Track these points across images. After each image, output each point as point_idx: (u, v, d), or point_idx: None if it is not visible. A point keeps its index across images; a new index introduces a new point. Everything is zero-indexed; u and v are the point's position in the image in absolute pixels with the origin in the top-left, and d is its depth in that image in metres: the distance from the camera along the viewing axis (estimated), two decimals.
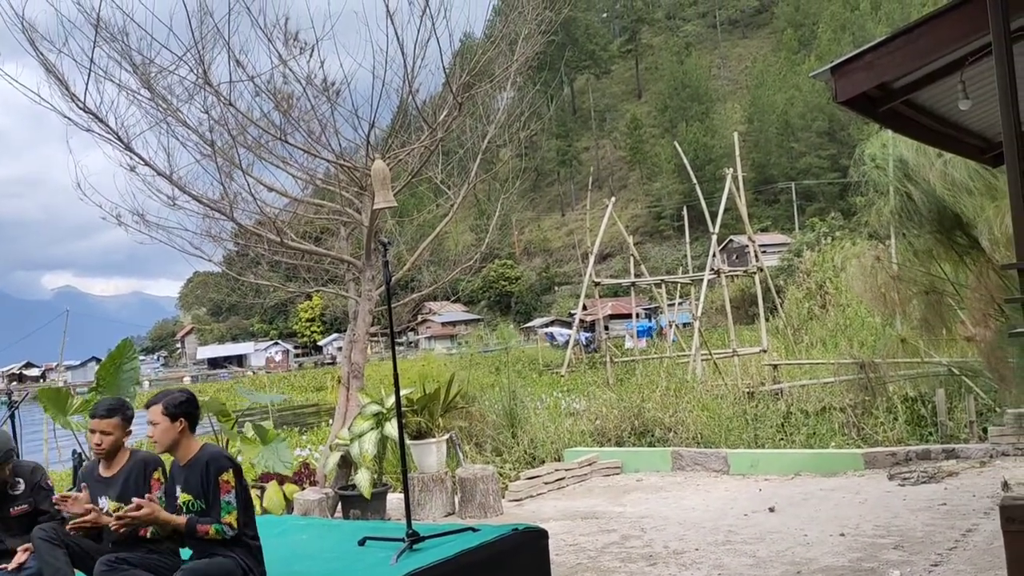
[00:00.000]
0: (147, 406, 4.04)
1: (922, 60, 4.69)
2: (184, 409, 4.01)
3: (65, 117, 7.76)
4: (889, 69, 4.75)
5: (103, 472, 4.27)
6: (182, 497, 3.97)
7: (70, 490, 4.71)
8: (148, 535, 4.01)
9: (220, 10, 8.03)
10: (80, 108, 7.68)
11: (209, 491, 3.91)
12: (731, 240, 72.80)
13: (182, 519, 3.87)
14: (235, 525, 3.90)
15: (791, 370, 15.62)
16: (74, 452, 7.65)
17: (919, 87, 5.18)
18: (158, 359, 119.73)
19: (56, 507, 4.19)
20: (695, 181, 22.56)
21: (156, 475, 4.20)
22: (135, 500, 3.83)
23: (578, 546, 6.71)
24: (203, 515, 3.92)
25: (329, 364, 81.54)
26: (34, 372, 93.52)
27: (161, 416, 3.97)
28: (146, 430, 4.10)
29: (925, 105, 5.70)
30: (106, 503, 4.12)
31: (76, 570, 4.19)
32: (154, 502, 3.90)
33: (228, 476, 3.91)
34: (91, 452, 4.36)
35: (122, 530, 3.84)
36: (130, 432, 4.34)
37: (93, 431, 4.22)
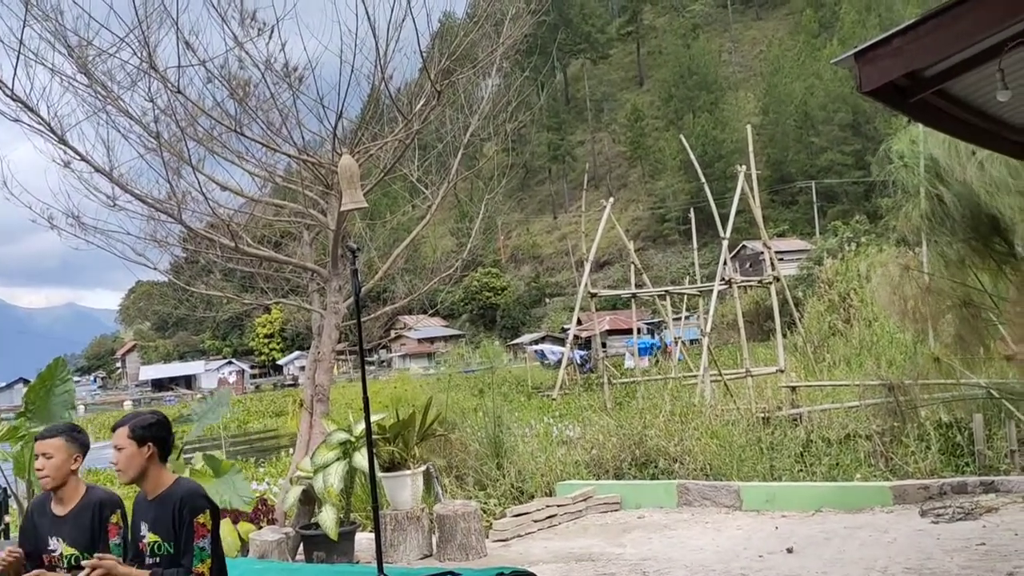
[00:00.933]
0: (113, 429, 3.93)
1: (957, 45, 4.71)
2: (153, 432, 3.90)
3: None
4: (920, 55, 4.78)
5: (55, 508, 4.16)
6: (149, 537, 3.85)
7: None
8: None
9: None
10: (7, 95, 7.65)
11: (181, 534, 3.80)
12: (744, 246, 73.24)
13: (144, 573, 3.77)
14: (207, 574, 3.80)
15: (811, 393, 15.69)
16: None
17: (953, 75, 5.21)
18: (95, 380, 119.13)
19: None
20: (703, 180, 22.70)
21: (114, 519, 4.09)
22: (87, 562, 3.72)
23: None
24: (171, 559, 3.82)
25: (290, 386, 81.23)
26: None
27: (127, 440, 3.84)
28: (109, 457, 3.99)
29: (960, 96, 5.73)
30: (58, 545, 4.04)
31: None
32: (109, 554, 3.79)
33: (204, 518, 3.81)
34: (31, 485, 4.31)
35: None
36: (78, 459, 4.17)
37: (36, 456, 4.14)
